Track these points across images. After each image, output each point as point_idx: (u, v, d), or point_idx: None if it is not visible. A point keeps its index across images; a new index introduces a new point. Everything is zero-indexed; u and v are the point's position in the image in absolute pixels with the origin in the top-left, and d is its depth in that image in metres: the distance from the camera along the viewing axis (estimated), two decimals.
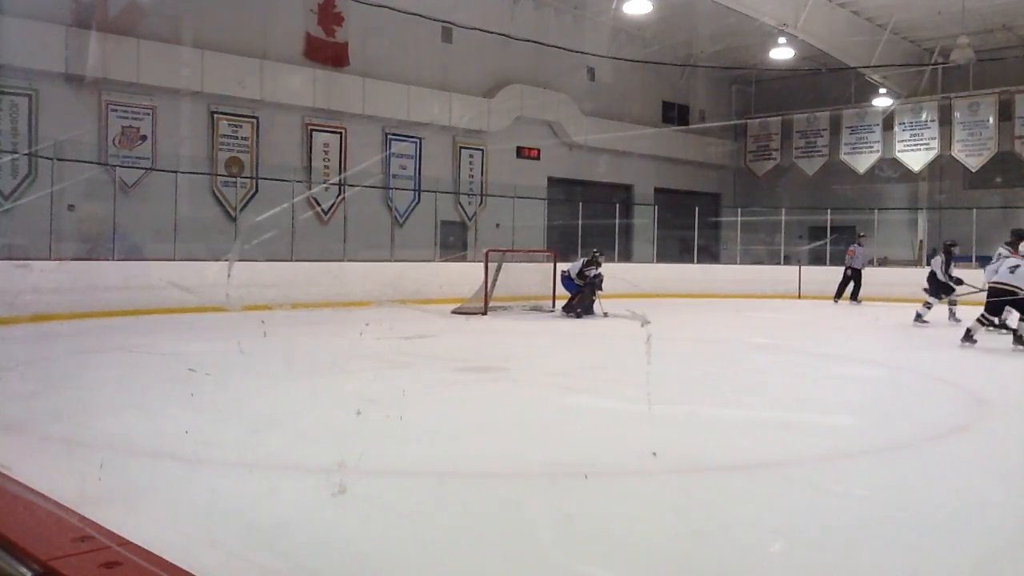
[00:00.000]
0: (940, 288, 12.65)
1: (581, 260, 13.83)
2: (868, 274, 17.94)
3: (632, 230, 23.03)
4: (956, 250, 13.14)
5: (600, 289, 13.59)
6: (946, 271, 12.62)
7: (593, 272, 13.56)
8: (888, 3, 19.70)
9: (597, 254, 14.01)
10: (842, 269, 17.62)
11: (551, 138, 21.99)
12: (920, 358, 8.97)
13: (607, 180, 23.49)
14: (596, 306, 13.40)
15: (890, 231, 23.34)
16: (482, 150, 20.56)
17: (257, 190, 16.44)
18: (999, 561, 3.24)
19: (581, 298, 13.47)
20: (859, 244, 17.58)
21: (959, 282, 12.60)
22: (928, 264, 14.30)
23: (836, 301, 17.42)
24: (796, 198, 24.30)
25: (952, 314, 12.93)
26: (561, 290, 14.04)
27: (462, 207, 20.17)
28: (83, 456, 4.37)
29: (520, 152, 21.44)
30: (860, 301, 17.17)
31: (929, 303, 12.72)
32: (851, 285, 17.35)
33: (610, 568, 3.08)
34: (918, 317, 12.72)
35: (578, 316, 13.25)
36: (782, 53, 20.93)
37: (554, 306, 14.07)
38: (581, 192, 21.98)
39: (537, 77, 21.18)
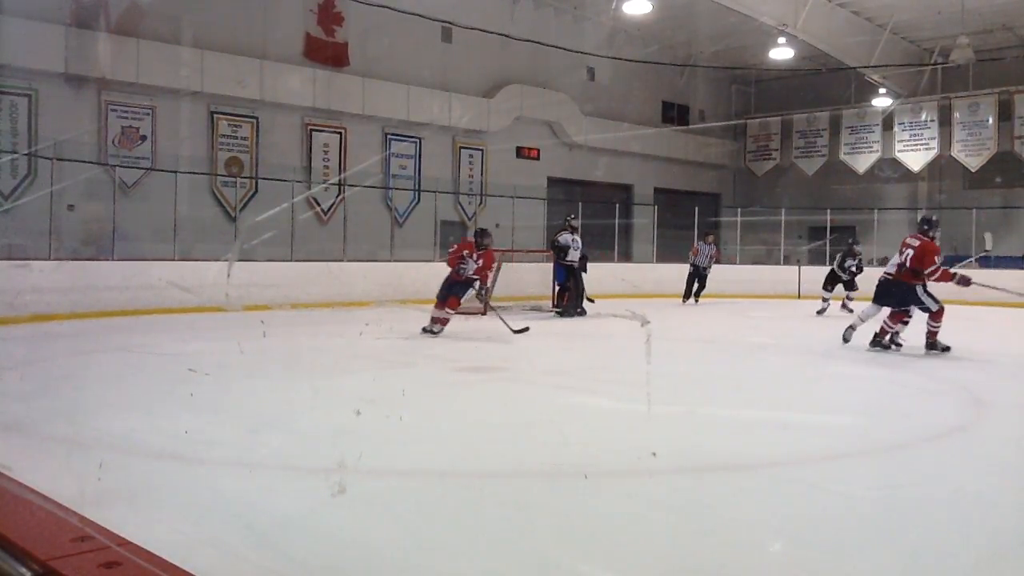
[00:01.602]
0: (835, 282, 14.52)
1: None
2: (866, 274, 17.81)
3: (632, 230, 23.03)
4: (858, 248, 15.04)
5: (584, 271, 13.46)
6: (841, 265, 14.60)
7: (565, 239, 13.34)
8: (888, 3, 19.70)
9: (570, 219, 13.85)
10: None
11: (551, 138, 22.00)
12: (920, 358, 8.96)
13: (607, 180, 23.49)
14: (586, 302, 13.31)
15: (890, 231, 23.28)
16: (482, 150, 20.57)
17: (257, 190, 16.45)
18: (999, 561, 3.24)
19: (569, 296, 13.38)
20: (704, 243, 16.93)
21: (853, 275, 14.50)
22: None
23: (684, 302, 16.75)
24: (796, 198, 24.31)
25: (823, 308, 14.56)
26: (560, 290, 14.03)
27: (462, 207, 20.18)
28: (83, 456, 4.37)
29: (520, 152, 21.44)
30: (697, 301, 16.75)
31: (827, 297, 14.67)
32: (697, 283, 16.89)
33: (610, 568, 3.08)
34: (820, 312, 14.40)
35: (570, 316, 13.13)
36: (782, 53, 20.93)
37: (554, 306, 14.05)
38: (581, 192, 21.98)
39: (537, 77, 21.19)
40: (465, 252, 10.25)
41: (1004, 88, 21.62)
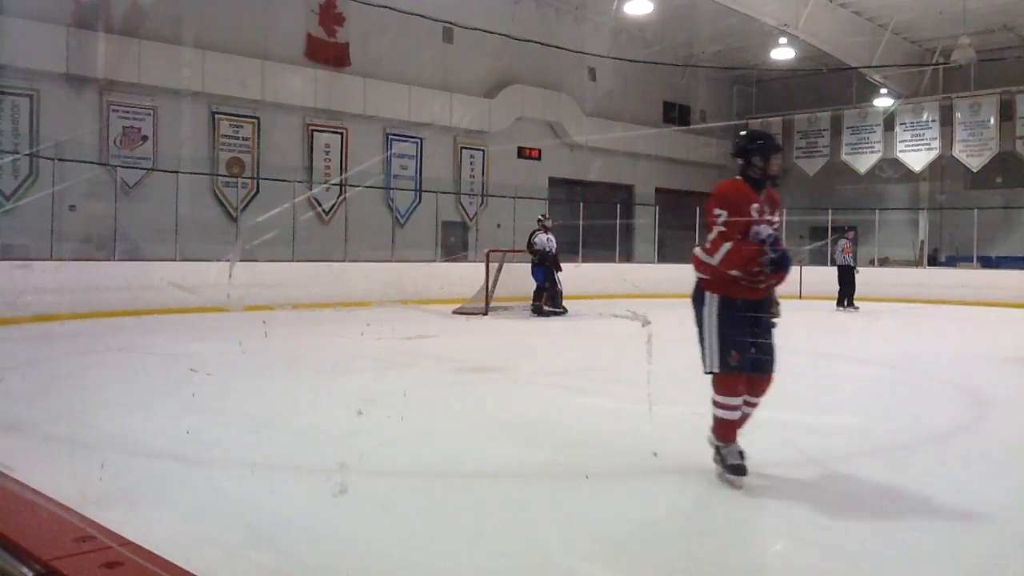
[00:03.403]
0: None
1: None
2: (868, 274, 17.84)
3: (633, 230, 23.02)
4: None
5: (559, 269, 13.34)
6: None
7: (540, 239, 13.25)
8: (889, 3, 19.69)
9: (543, 218, 13.76)
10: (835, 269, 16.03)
11: (552, 138, 21.99)
12: (920, 358, 8.96)
13: (608, 180, 23.49)
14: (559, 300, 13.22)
15: (891, 231, 23.35)
16: (483, 150, 20.57)
17: (258, 190, 16.46)
18: (999, 561, 3.24)
19: (546, 296, 13.32)
20: (847, 239, 16.00)
21: None
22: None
23: (843, 308, 15.80)
24: (797, 198, 24.28)
25: None
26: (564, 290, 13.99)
27: (463, 207, 20.18)
28: (84, 456, 4.37)
29: (521, 152, 21.44)
30: (856, 306, 15.82)
31: None
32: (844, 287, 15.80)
33: (610, 568, 3.08)
34: None
35: (546, 315, 13.10)
36: (783, 53, 20.93)
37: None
38: (582, 192, 21.98)
39: (538, 77, 21.19)
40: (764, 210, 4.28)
41: (1005, 88, 21.60)
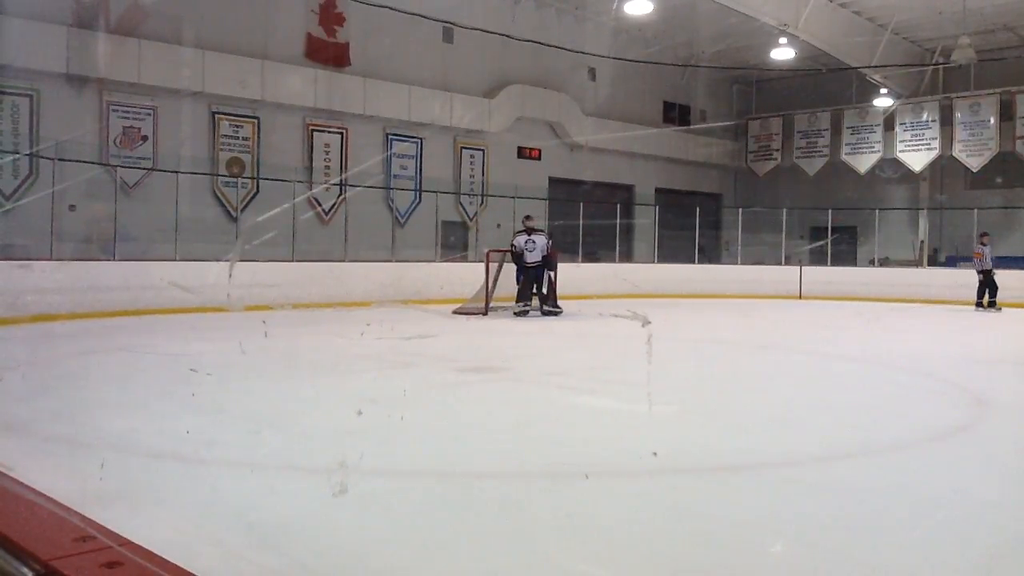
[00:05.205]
0: None
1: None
2: (867, 274, 17.95)
3: (633, 230, 23.03)
4: None
5: (551, 270, 13.25)
6: None
7: (519, 243, 13.15)
8: (889, 3, 19.70)
9: (526, 220, 13.61)
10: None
11: (552, 138, 22.01)
12: (920, 358, 8.96)
13: (608, 180, 23.50)
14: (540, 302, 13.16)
15: (891, 231, 23.36)
16: (483, 150, 20.57)
17: (258, 190, 16.46)
18: (999, 561, 3.24)
19: (523, 294, 13.25)
20: (983, 244, 16.34)
21: None
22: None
23: (978, 308, 16.24)
24: (797, 198, 24.31)
25: None
26: (561, 290, 13.97)
27: (463, 207, 20.19)
28: (84, 456, 4.38)
29: (521, 152, 21.45)
30: (998, 307, 16.10)
31: None
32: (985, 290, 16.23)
33: (610, 568, 3.08)
34: None
35: (517, 315, 13.06)
36: (783, 53, 20.94)
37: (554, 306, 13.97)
38: (582, 192, 21.99)
39: (538, 77, 21.20)
40: None
41: (1005, 88, 21.62)
